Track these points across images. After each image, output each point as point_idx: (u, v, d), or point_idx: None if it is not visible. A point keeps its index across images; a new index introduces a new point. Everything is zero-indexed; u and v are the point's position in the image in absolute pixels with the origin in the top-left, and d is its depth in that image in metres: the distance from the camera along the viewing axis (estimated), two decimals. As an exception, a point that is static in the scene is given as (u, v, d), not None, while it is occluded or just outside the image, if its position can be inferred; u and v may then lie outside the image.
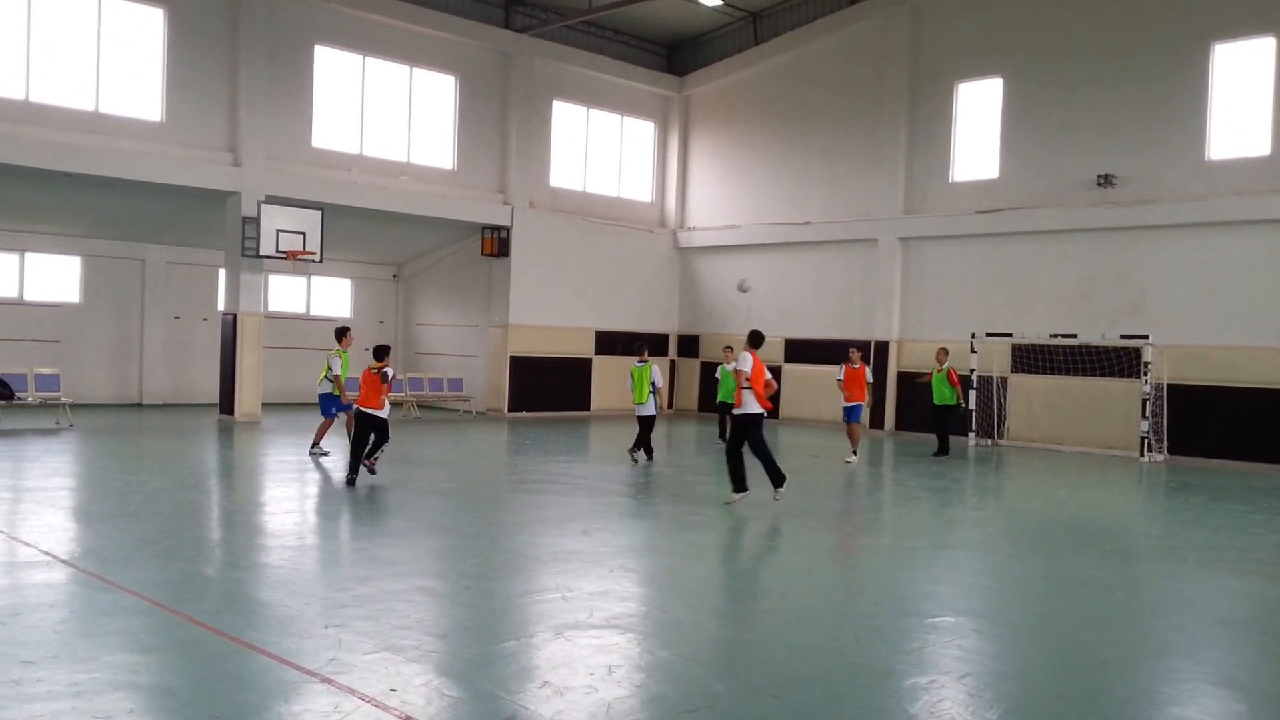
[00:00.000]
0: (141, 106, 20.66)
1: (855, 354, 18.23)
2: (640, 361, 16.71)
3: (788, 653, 6.59)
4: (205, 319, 24.96)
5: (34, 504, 11.20)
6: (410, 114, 24.56)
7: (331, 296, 27.74)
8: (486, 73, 25.62)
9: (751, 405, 12.01)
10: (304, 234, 21.31)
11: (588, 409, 27.07)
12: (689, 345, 29.09)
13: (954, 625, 7.37)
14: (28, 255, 23.10)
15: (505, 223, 25.61)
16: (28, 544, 8.92)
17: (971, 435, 21.76)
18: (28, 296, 22.95)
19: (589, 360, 27.09)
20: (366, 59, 23.71)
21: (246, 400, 21.52)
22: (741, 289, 23.64)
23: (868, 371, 18.50)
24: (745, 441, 12.14)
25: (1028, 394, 22.11)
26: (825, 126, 26.01)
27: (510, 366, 25.70)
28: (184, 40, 20.96)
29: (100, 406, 22.92)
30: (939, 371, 19.16)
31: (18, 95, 19.21)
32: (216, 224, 22.24)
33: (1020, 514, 13.32)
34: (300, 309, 26.94)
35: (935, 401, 19.23)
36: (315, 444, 16.06)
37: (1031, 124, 22.46)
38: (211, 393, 23.21)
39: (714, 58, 28.55)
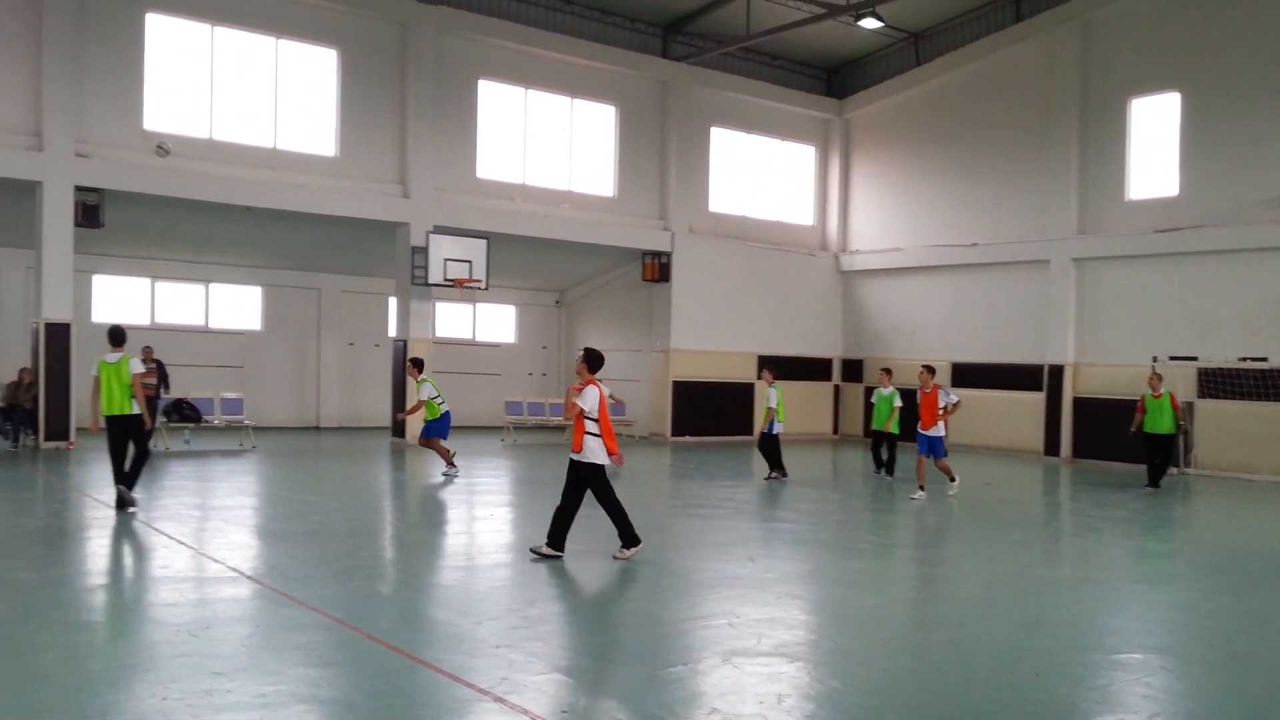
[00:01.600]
0: (317, 143, 21.72)
1: (925, 375, 15.73)
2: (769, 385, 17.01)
3: (963, 686, 6.35)
4: (377, 345, 25.95)
5: (220, 522, 11.79)
6: (571, 143, 25.06)
7: (496, 322, 28.48)
8: (646, 101, 25.95)
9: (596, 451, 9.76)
10: (470, 262, 21.96)
11: (750, 434, 26.91)
12: (852, 370, 28.64)
13: (1141, 662, 6.98)
14: (212, 286, 24.49)
15: (666, 248, 25.81)
16: (216, 560, 9.39)
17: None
18: (213, 325, 24.30)
19: (750, 385, 26.96)
20: (529, 91, 24.34)
21: (417, 424, 22.16)
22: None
23: (943, 395, 15.89)
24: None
25: (1216, 420, 20.91)
26: (992, 146, 25.31)
27: (673, 391, 25.82)
28: (356, 79, 21.96)
29: (280, 429, 24.04)
30: (1156, 397, 17.68)
31: (202, 134, 20.44)
32: (387, 253, 23.13)
33: (1210, 546, 12.56)
34: (467, 334, 27.74)
35: (1149, 430, 17.71)
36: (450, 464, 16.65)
37: (1212, 139, 21.35)
38: (384, 416, 24.06)
39: (875, 80, 28.19)
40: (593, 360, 10.03)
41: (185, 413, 19.79)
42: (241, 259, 24.40)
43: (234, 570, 8.98)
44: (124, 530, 10.89)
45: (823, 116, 28.80)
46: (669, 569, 9.79)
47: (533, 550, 9.84)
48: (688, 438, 25.78)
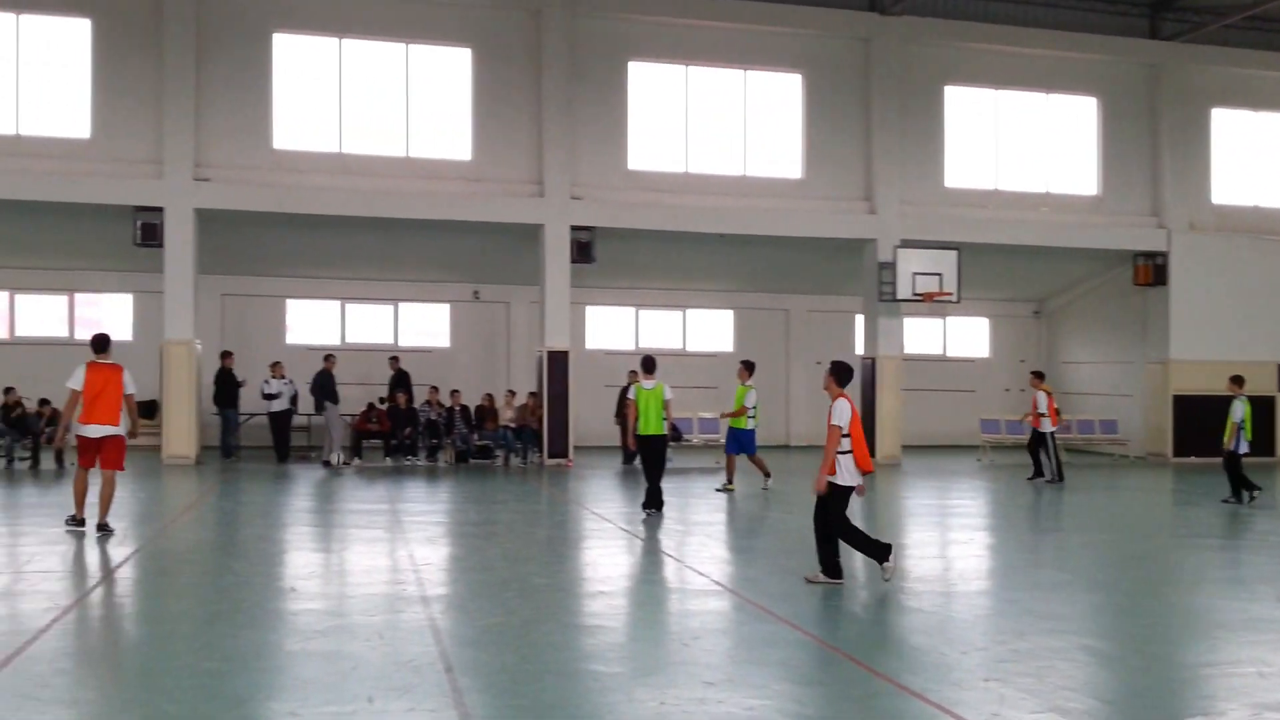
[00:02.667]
0: (783, 167, 22.43)
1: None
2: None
3: None
4: (846, 364, 26.15)
5: (704, 537, 12.47)
6: (1048, 143, 23.86)
7: (968, 336, 27.70)
8: (1132, 88, 24.11)
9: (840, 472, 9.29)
10: (940, 275, 21.55)
11: (1271, 454, 23.92)
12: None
13: None
14: (688, 311, 26.01)
15: (1161, 248, 23.76)
16: (699, 573, 9.93)
17: None
18: (689, 348, 25.79)
19: (1271, 398, 24.00)
20: (999, 92, 23.53)
21: (887, 443, 22.15)
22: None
23: (1039, 400, 18.77)
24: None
25: None
26: None
27: (1174, 406, 23.65)
28: (819, 101, 22.45)
29: (760, 448, 24.91)
30: None
31: (679, 169, 21.82)
32: (854, 271, 23.31)
33: None
34: (937, 350, 27.24)
35: None
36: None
37: None
38: (853, 436, 24.16)
39: None
40: (841, 373, 9.67)
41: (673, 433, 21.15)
42: (714, 285, 25.71)
43: (716, 583, 9.44)
44: (616, 541, 11.85)
45: (1353, 84, 25.12)
46: (1176, 605, 8.96)
47: (807, 579, 9.43)
48: (1193, 458, 23.42)
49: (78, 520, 11.54)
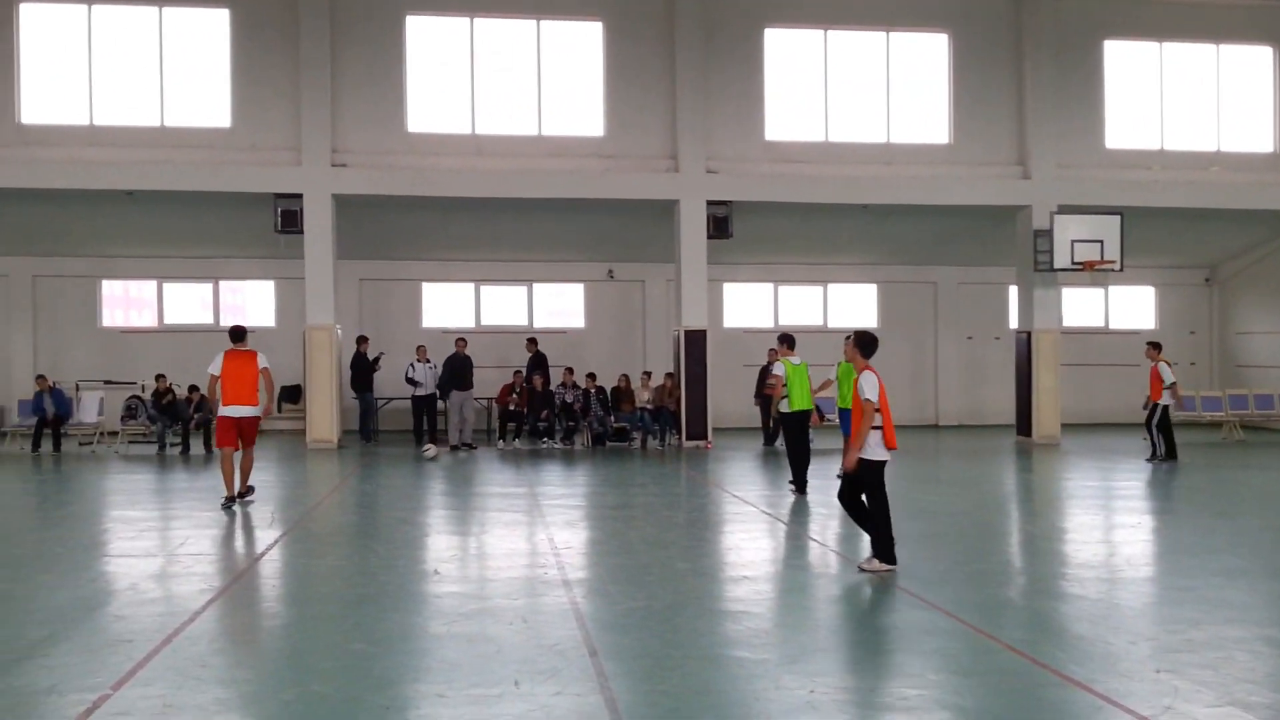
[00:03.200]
0: (931, 132, 21.95)
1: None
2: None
3: None
4: (997, 338, 25.54)
5: (850, 520, 12.31)
6: (1218, 98, 22.75)
7: (1133, 307, 26.68)
8: (1313, 33, 22.81)
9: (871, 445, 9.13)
10: (1101, 242, 20.80)
11: None
12: None
13: None
14: (830, 286, 25.70)
15: (1347, 207, 22.48)
16: (847, 558, 9.83)
17: None
18: (830, 324, 25.47)
19: None
20: (1164, 45, 22.53)
21: (1045, 421, 21.54)
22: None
23: (1162, 371, 18.03)
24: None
25: None
26: None
27: (1360, 379, 22.43)
28: (968, 62, 21.86)
29: (899, 428, 24.45)
30: None
31: (818, 138, 21.55)
32: (1005, 240, 22.69)
33: None
34: (1098, 323, 26.31)
35: None
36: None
37: None
38: (1007, 413, 23.61)
39: None
40: (866, 344, 9.44)
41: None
42: (857, 258, 25.34)
43: (865, 569, 9.33)
44: (759, 525, 11.84)
45: None
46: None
47: (861, 567, 9.19)
48: (1385, 435, 22.18)
49: (231, 499, 12.66)
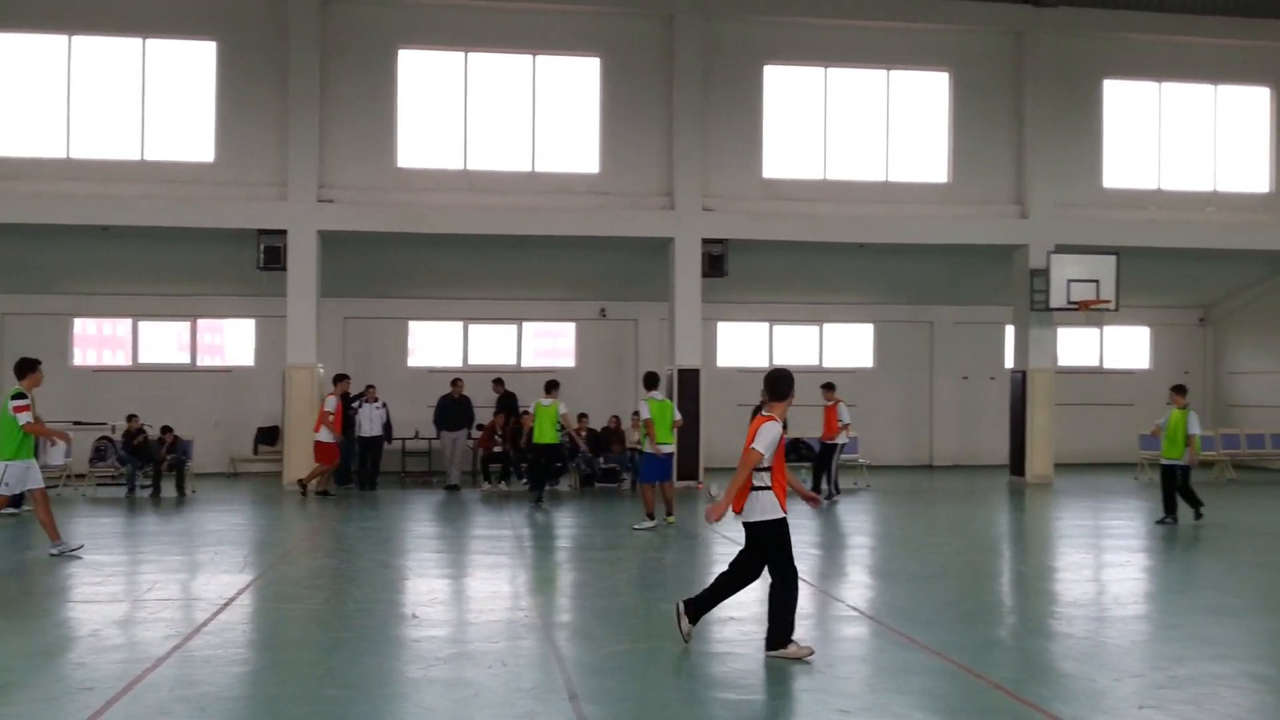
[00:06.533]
0: (928, 171, 22.17)
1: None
2: None
3: None
4: (992, 378, 25.65)
5: (841, 561, 12.41)
6: (1215, 138, 23.05)
7: (1127, 347, 26.85)
8: (1306, 77, 23.17)
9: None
10: (1097, 282, 20.97)
11: None
12: None
13: None
14: (826, 326, 25.84)
15: (1342, 247, 22.72)
16: (837, 599, 9.91)
17: None
18: (826, 364, 25.56)
19: None
20: (1163, 85, 22.84)
21: (1038, 461, 21.62)
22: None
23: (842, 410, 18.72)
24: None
25: None
26: None
27: (1353, 418, 22.61)
28: (967, 101, 22.08)
29: (893, 468, 24.63)
30: None
31: (816, 175, 21.78)
32: (1002, 280, 22.87)
33: None
34: (1094, 362, 26.49)
35: None
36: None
37: None
38: (1000, 453, 23.68)
39: None
40: (774, 383, 7.96)
41: (801, 452, 21.00)
42: (853, 297, 25.47)
43: (854, 609, 9.41)
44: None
45: None
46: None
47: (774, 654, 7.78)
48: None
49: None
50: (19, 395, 12.03)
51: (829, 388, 19.08)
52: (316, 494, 18.82)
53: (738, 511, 7.89)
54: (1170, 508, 15.06)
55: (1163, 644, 8.15)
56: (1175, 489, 15.11)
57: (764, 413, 7.97)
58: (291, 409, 20.05)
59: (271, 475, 21.24)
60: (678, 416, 15.71)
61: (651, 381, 15.59)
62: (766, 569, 7.94)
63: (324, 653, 7.98)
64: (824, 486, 18.48)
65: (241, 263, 20.57)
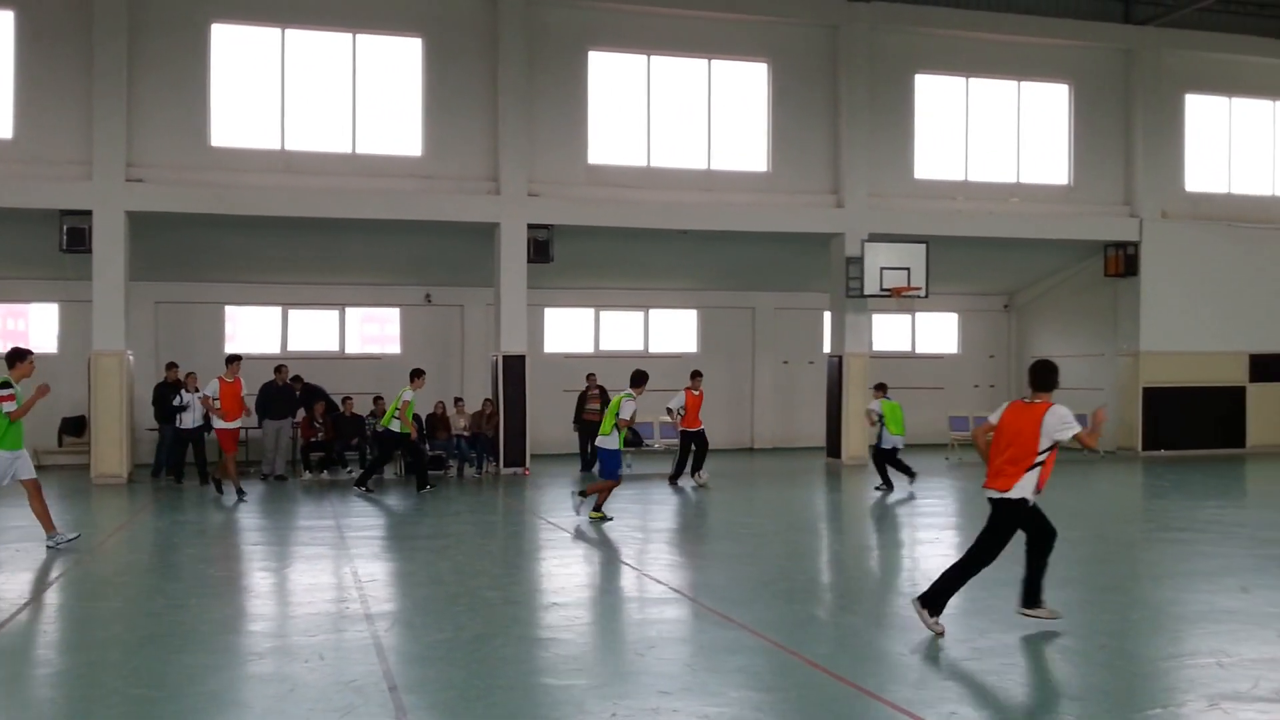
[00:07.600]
0: (748, 160, 22.58)
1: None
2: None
3: None
4: (811, 362, 26.41)
5: (661, 543, 12.59)
6: (1019, 132, 24.20)
7: (937, 332, 28.01)
8: (1104, 75, 24.49)
9: None
10: (908, 269, 21.78)
11: (1241, 445, 24.51)
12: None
13: None
14: (651, 312, 26.11)
15: (1132, 238, 24.16)
16: (658, 581, 10.04)
17: None
18: (652, 349, 25.87)
19: (1242, 389, 24.55)
20: (970, 80, 23.83)
21: (853, 443, 22.37)
22: None
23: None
24: None
25: None
26: None
27: (1144, 399, 24.12)
28: (786, 92, 22.57)
29: (717, 451, 25.03)
30: None
31: (640, 163, 21.95)
32: (820, 267, 23.53)
33: None
34: (906, 347, 27.54)
35: None
36: None
37: None
38: (818, 436, 24.42)
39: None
40: (1047, 378, 8.42)
41: (629, 437, 21.18)
42: (678, 283, 25.83)
43: (675, 591, 9.56)
44: (573, 551, 11.94)
45: (1327, 68, 25.65)
46: (1142, 600, 9.20)
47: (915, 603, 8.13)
48: (1162, 451, 23.91)
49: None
50: (5, 384, 11.61)
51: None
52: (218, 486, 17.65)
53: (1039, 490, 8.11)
54: (886, 479, 17.80)
55: (970, 617, 8.51)
56: (887, 463, 17.89)
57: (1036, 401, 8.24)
58: (99, 397, 19.11)
59: (78, 468, 20.20)
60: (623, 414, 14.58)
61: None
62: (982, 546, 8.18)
63: (131, 651, 7.64)
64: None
65: (43, 244, 19.43)
